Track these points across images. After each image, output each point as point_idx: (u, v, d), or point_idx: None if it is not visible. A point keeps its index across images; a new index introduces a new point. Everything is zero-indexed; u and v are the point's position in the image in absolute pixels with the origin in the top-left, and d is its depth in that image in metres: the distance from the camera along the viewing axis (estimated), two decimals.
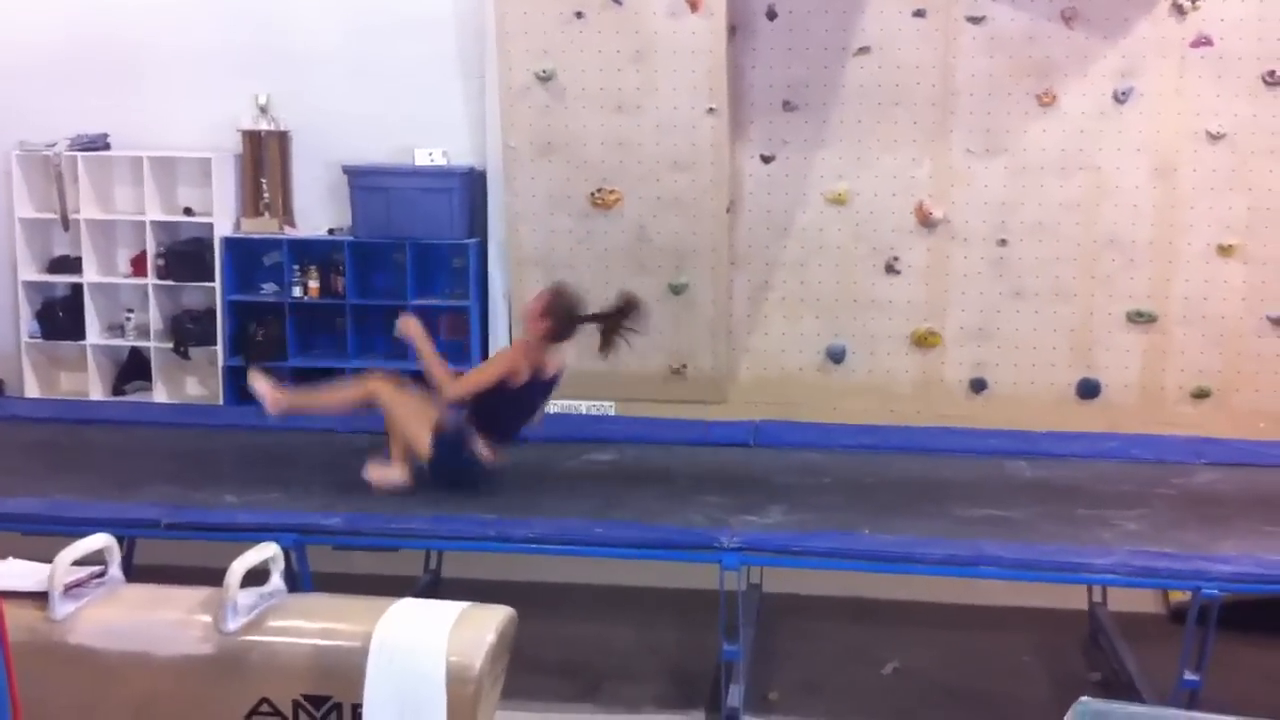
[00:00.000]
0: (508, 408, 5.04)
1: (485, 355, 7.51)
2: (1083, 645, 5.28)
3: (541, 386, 5.11)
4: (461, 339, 7.52)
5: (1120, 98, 7.04)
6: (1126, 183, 7.11)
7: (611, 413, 7.26)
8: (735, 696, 4.52)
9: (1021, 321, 7.26)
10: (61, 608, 3.49)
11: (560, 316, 5.06)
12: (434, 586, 5.40)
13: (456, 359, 7.00)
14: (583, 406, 7.34)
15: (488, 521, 4.71)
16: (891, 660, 5.12)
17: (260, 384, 5.21)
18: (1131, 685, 4.71)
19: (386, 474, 5.04)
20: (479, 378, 5.02)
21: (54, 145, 7.72)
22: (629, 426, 6.16)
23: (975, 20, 7.07)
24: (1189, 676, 4.14)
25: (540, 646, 4.41)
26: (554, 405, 7.28)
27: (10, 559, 3.66)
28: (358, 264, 7.61)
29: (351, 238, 7.57)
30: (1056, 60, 7.06)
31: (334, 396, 5.24)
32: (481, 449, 5.01)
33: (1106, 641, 5.13)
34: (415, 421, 5.02)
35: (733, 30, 7.16)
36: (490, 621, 3.42)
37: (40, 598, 3.51)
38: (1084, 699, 3.20)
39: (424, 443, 4.97)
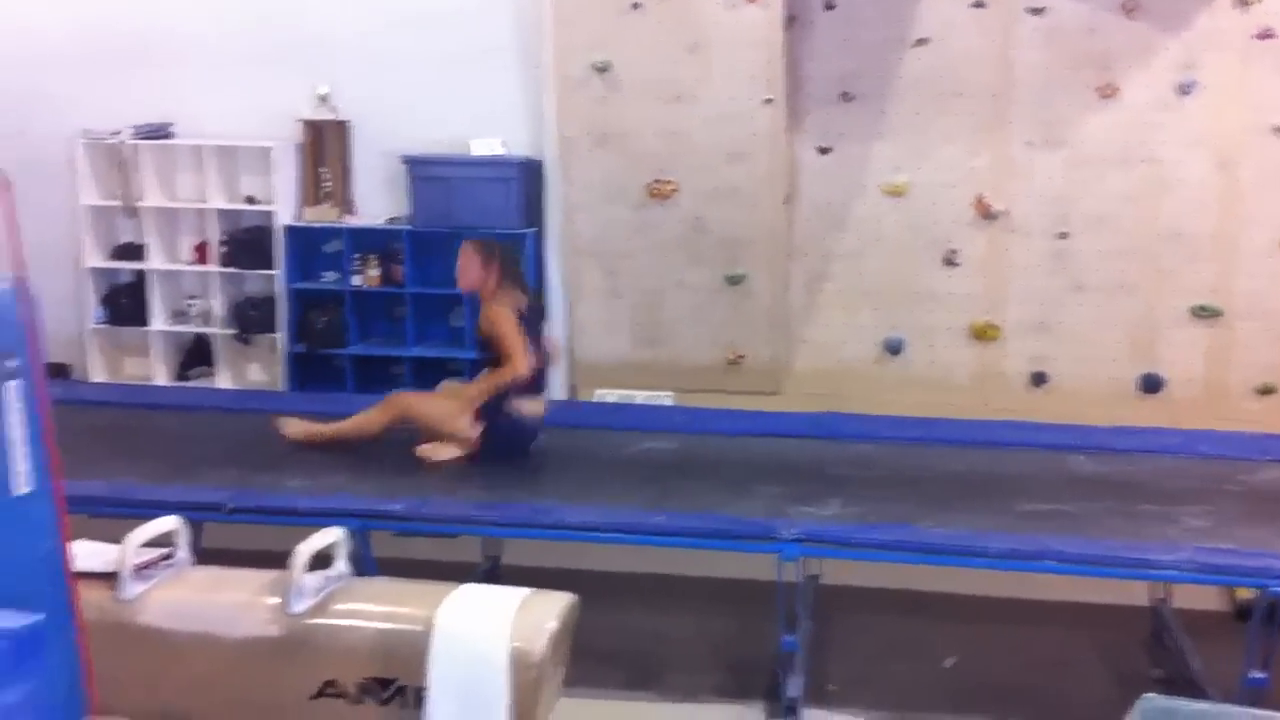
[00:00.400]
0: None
1: None
2: (1145, 642, 5.23)
3: (528, 320, 5.24)
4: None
5: (1182, 90, 6.95)
6: (1188, 176, 7.02)
7: (669, 403, 7.27)
8: (794, 687, 4.52)
9: (1082, 315, 7.19)
10: (131, 588, 3.56)
11: (498, 255, 5.21)
12: (493, 573, 5.43)
13: None
14: (640, 397, 7.36)
15: (547, 509, 4.75)
16: (950, 654, 5.10)
17: (288, 425, 5.45)
18: (1195, 683, 4.66)
19: (438, 449, 5.12)
20: (514, 341, 5.12)
21: (119, 134, 7.81)
22: (687, 417, 6.16)
23: (1035, 11, 7.00)
24: (1255, 675, 4.09)
25: (598, 634, 4.41)
26: (611, 395, 7.39)
27: (79, 540, 3.72)
28: (416, 253, 7.65)
29: (410, 227, 7.61)
30: (1117, 52, 6.98)
31: (363, 421, 5.34)
32: (520, 406, 5.08)
33: (1170, 639, 5.08)
34: (451, 415, 5.10)
35: (790, 21, 7.13)
36: (553, 608, 3.45)
37: (110, 578, 3.57)
38: (1148, 695, 3.18)
39: (466, 429, 5.05)
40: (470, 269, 5.20)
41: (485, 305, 5.20)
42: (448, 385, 5.48)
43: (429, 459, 5.15)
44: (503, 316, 5.14)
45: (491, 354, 5.21)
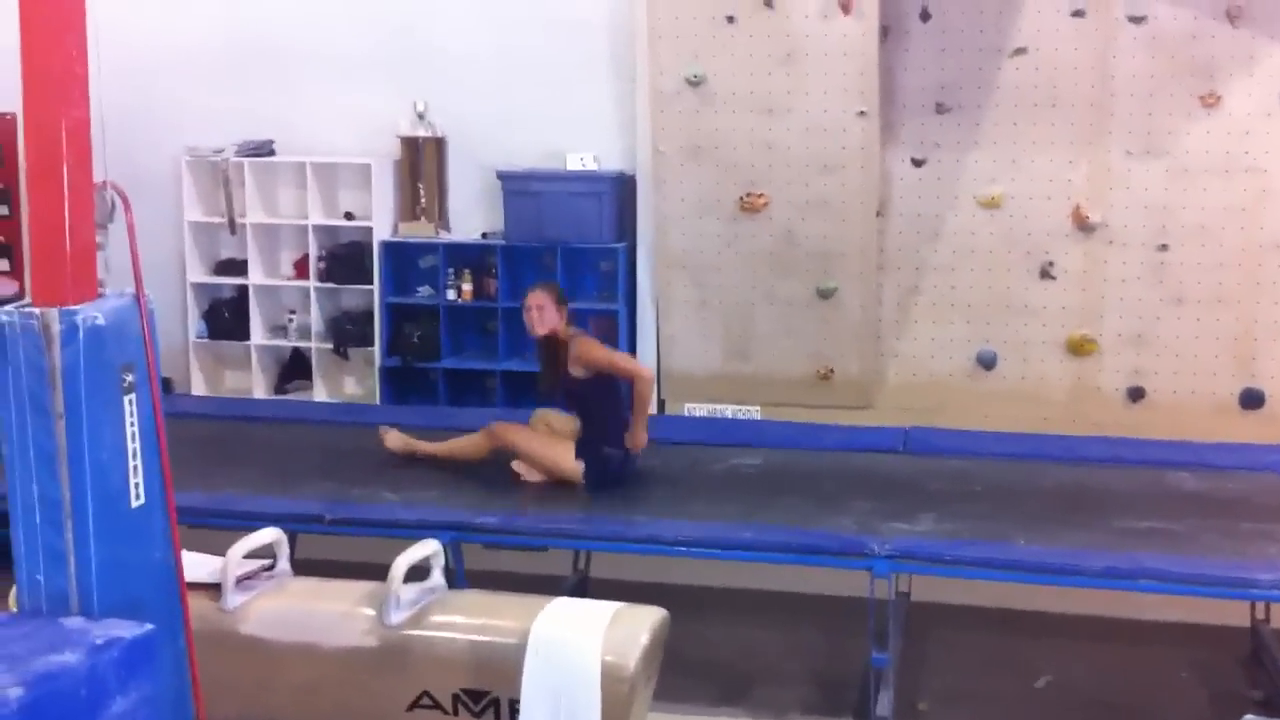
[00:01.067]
0: (611, 387, 5.16)
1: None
2: (1244, 663, 5.12)
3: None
4: (610, 342, 7.57)
5: None
6: None
7: (757, 417, 7.26)
8: (884, 705, 4.49)
9: (1182, 328, 7.06)
10: (233, 599, 3.64)
11: (565, 296, 5.28)
12: (582, 586, 5.47)
13: None
14: (728, 411, 7.37)
15: (638, 523, 4.79)
16: (1044, 673, 5.04)
17: (389, 435, 5.56)
18: None
19: (530, 471, 5.17)
20: (620, 357, 5.48)
21: (222, 151, 7.98)
22: (776, 431, 6.16)
23: (1136, 20, 6.90)
24: None
25: (687, 648, 4.44)
26: (700, 409, 7.41)
27: (182, 551, 3.82)
28: (509, 267, 7.73)
29: (503, 242, 7.69)
30: (1220, 60, 6.85)
31: (463, 445, 5.41)
32: (627, 439, 5.13)
33: (1269, 659, 4.97)
34: (552, 448, 5.13)
35: (885, 32, 7.10)
36: (644, 622, 3.48)
37: (213, 588, 3.66)
38: (1248, 717, 3.13)
39: (569, 462, 5.09)
40: (549, 314, 5.17)
41: (567, 346, 5.17)
42: (541, 414, 5.48)
43: (522, 474, 5.20)
44: (592, 345, 5.17)
45: (586, 392, 5.19)
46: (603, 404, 5.16)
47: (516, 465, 5.22)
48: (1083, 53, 6.98)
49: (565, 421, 5.35)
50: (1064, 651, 5.25)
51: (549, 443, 5.21)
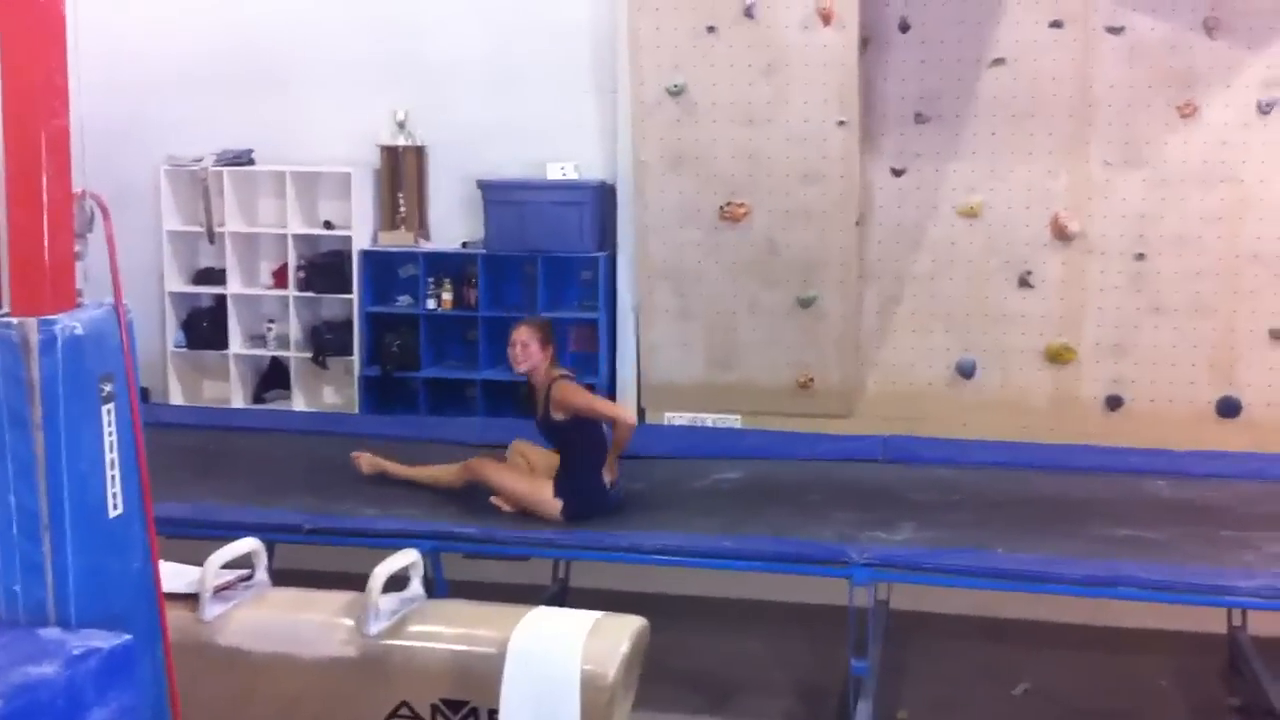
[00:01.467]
0: (593, 427, 5.12)
1: (613, 366, 7.58)
2: (1221, 671, 5.14)
3: None
4: (591, 351, 7.59)
5: (1264, 109, 6.86)
6: (1271, 195, 6.92)
7: (737, 426, 7.27)
8: (864, 713, 4.49)
9: (1160, 337, 7.10)
10: (211, 609, 3.63)
11: (552, 335, 5.23)
12: (562, 596, 5.46)
13: (586, 372, 7.11)
14: (709, 420, 7.37)
15: (618, 532, 4.78)
16: (1023, 681, 5.05)
17: (361, 459, 5.49)
18: (1273, 712, 4.57)
19: (510, 504, 5.13)
20: (602, 402, 5.50)
21: (201, 160, 7.96)
22: (757, 440, 6.17)
23: (1115, 31, 6.94)
24: None
25: (668, 658, 4.44)
26: (680, 419, 7.41)
27: (160, 561, 3.80)
28: (490, 276, 7.73)
29: (484, 251, 7.68)
30: (1198, 71, 6.90)
31: (439, 474, 5.35)
32: (603, 475, 5.08)
33: (1247, 667, 4.99)
34: (530, 486, 5.09)
35: (865, 43, 7.13)
36: (624, 631, 3.47)
37: (190, 599, 3.64)
38: None
39: (548, 500, 5.03)
40: (532, 351, 5.09)
41: (549, 386, 5.08)
42: (518, 446, 5.41)
43: (500, 507, 5.14)
44: (573, 390, 5.08)
45: (567, 433, 5.11)
46: (583, 443, 5.07)
47: (495, 500, 5.15)
48: (1061, 63, 7.02)
49: (543, 456, 5.26)
50: (1043, 659, 5.26)
51: (527, 482, 5.12)
